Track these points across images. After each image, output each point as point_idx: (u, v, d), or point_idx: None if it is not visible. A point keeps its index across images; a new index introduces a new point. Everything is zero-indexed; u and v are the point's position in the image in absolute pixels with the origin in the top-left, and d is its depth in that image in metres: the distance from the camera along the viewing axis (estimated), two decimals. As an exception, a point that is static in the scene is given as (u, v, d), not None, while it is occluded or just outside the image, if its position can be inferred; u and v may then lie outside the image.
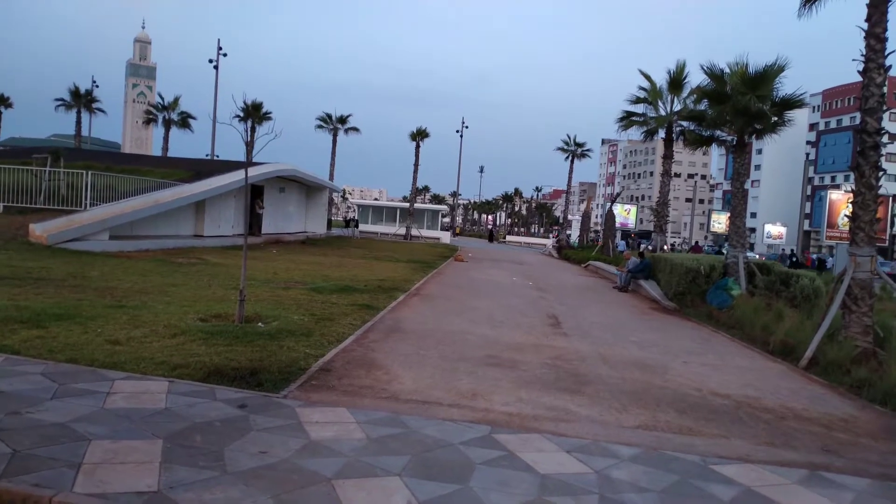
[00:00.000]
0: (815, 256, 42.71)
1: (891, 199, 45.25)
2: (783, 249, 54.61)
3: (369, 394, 6.46)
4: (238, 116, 43.04)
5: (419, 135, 49.27)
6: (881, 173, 10.77)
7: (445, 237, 53.32)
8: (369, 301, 12.42)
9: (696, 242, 53.45)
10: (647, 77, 27.85)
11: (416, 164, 49.83)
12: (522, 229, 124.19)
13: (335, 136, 49.38)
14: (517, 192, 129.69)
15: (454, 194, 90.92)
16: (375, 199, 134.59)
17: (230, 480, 4.11)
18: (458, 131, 66.31)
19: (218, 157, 41.27)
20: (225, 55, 43.33)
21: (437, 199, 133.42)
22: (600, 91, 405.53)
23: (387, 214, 56.24)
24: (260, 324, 8.98)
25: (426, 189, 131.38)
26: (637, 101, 28.33)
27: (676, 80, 26.59)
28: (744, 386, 8.40)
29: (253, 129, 40.83)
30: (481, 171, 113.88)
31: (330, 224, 48.14)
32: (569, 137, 55.51)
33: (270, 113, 46.57)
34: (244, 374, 6.53)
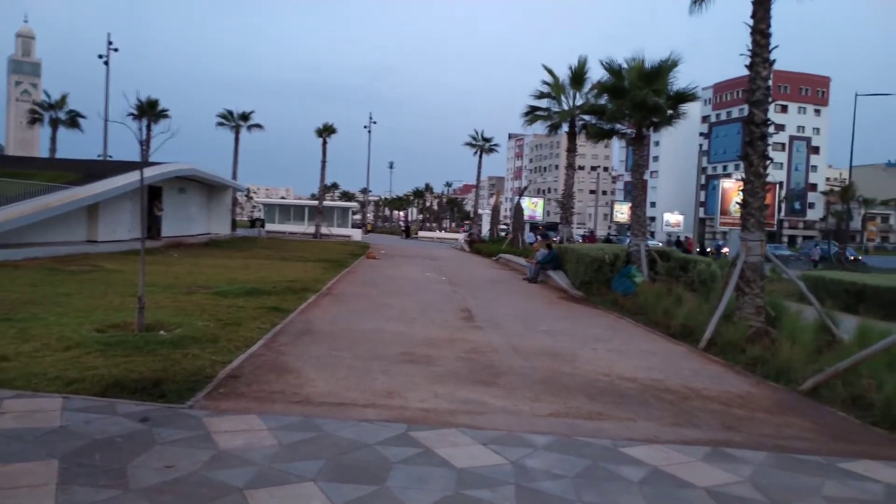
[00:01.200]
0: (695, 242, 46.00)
1: (777, 186, 48.35)
2: (669, 237, 57.40)
3: (281, 399, 6.29)
4: (132, 114, 41.36)
5: (326, 131, 48.49)
6: (768, 162, 11.44)
7: (357, 235, 52.80)
8: (278, 303, 12.12)
9: (592, 231, 55.28)
10: (551, 72, 28.54)
11: (324, 161, 49.06)
12: (434, 224, 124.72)
13: (237, 133, 47.98)
14: (428, 188, 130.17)
15: (364, 191, 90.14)
16: (282, 198, 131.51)
17: (133, 498, 3.89)
18: (365, 126, 65.88)
19: (111, 157, 39.12)
20: (116, 50, 41.07)
21: (346, 195, 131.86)
22: (507, 86, 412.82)
23: (295, 213, 55.06)
24: (162, 332, 8.57)
25: (335, 186, 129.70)
26: (541, 95, 28.95)
27: (578, 75, 27.34)
28: (649, 369, 8.73)
29: (149, 128, 39.21)
30: (391, 166, 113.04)
31: (235, 225, 46.74)
32: (476, 132, 56.14)
33: (167, 110, 44.78)
34: (146, 385, 6.21)
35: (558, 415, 6.36)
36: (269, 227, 50.86)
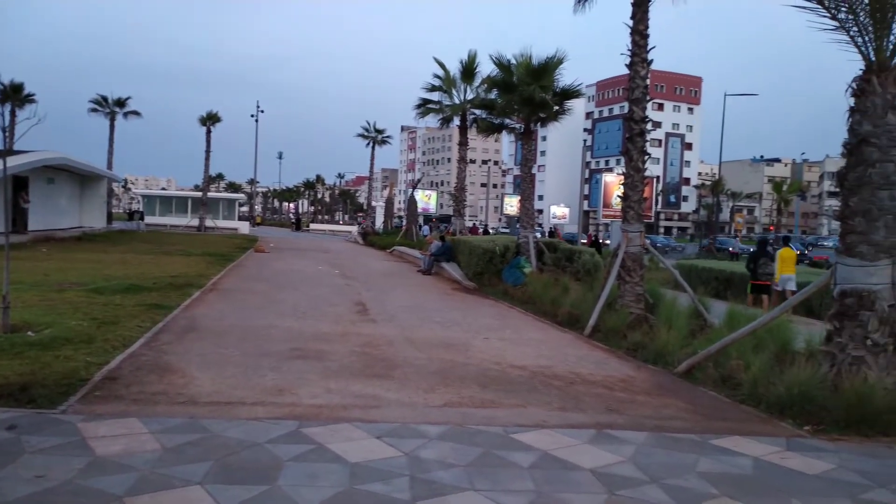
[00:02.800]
0: (565, 233, 48.81)
1: (655, 180, 51.10)
2: (541, 228, 59.66)
3: (163, 400, 5.99)
4: (-8, 98, 37.91)
5: (210, 119, 46.47)
6: (647, 157, 12.07)
7: (244, 227, 51.08)
8: (160, 300, 11.53)
9: (475, 225, 56.27)
10: (442, 65, 28.70)
11: (208, 151, 47.04)
12: (326, 217, 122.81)
13: (113, 120, 45.07)
14: (319, 179, 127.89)
15: (252, 181, 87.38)
16: (163, 189, 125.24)
17: (-5, 515, 3.59)
18: (253, 115, 63.77)
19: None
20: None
21: (233, 187, 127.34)
22: (399, 78, 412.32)
23: (177, 205, 52.47)
24: (30, 332, 7.95)
25: (220, 177, 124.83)
26: (433, 88, 29.08)
27: (469, 70, 27.65)
28: (538, 356, 9.01)
29: (13, 114, 36.11)
30: (280, 157, 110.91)
31: (111, 217, 44.02)
32: (369, 124, 55.70)
33: (34, 95, 41.44)
34: (12, 390, 5.74)
35: (452, 405, 6.44)
36: (148, 219, 48.16)
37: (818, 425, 6.16)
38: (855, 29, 7.14)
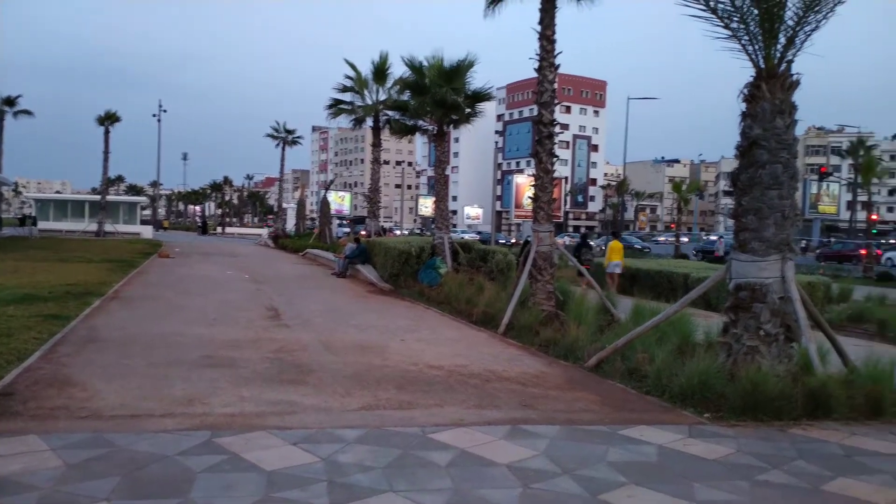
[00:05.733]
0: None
1: (563, 181, 52.66)
2: (421, 226, 60.49)
3: (65, 415, 5.69)
4: None
5: (108, 118, 44.18)
6: (555, 159, 12.42)
7: (147, 232, 48.95)
8: (57, 310, 10.90)
9: (384, 228, 56.46)
10: (353, 66, 28.50)
11: (107, 152, 44.69)
12: (235, 219, 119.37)
13: (1, 120, 42.26)
14: (227, 181, 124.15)
15: (154, 184, 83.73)
16: (58, 192, 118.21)
17: None
18: (155, 115, 61.36)
19: None
20: None
21: (134, 189, 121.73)
22: (310, 78, 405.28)
23: (73, 209, 49.62)
24: None
25: (120, 179, 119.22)
26: (344, 89, 28.83)
27: (381, 71, 27.58)
28: (454, 356, 9.11)
29: None
30: (185, 158, 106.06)
31: (0, 223, 41.21)
32: (278, 124, 54.44)
33: None
34: None
35: (369, 407, 6.42)
36: (42, 224, 45.28)
37: (717, 412, 6.53)
38: (746, 38, 7.61)
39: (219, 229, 74.99)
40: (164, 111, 63.11)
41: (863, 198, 54.97)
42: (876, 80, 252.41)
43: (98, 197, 47.43)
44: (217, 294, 15.19)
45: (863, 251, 33.37)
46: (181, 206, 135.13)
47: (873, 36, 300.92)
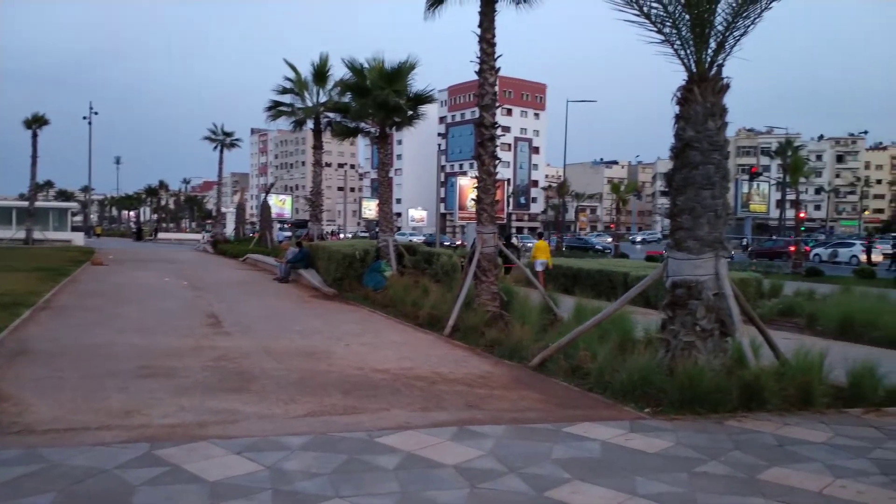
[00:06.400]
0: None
1: (506, 183, 53.17)
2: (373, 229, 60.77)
3: (-8, 432, 5.43)
4: None
5: (36, 121, 42.35)
6: (498, 161, 12.53)
7: (79, 238, 47.10)
8: (-17, 321, 10.41)
9: (331, 231, 55.91)
10: (293, 68, 28.12)
11: (35, 156, 42.82)
12: (172, 225, 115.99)
13: (-83, 122, 40.02)
14: (163, 185, 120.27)
15: (86, 189, 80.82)
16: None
17: None
18: (85, 117, 59.34)
19: None
20: None
21: (64, 195, 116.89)
22: (249, 80, 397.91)
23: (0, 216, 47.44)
24: None
25: (50, 184, 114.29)
26: (284, 91, 28.40)
27: (321, 73, 27.29)
28: (400, 359, 9.09)
29: None
30: (118, 162, 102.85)
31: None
32: (216, 126, 53.13)
33: None
34: None
35: (314, 414, 6.35)
36: (-36, 232, 43.15)
37: (658, 407, 6.70)
38: (678, 42, 7.83)
39: (152, 235, 72.76)
40: (96, 113, 61.11)
41: (791, 196, 57.37)
42: (803, 84, 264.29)
43: (26, 203, 45.33)
44: (154, 302, 14.75)
45: (792, 248, 34.73)
46: (115, 212, 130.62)
47: (800, 41, 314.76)
